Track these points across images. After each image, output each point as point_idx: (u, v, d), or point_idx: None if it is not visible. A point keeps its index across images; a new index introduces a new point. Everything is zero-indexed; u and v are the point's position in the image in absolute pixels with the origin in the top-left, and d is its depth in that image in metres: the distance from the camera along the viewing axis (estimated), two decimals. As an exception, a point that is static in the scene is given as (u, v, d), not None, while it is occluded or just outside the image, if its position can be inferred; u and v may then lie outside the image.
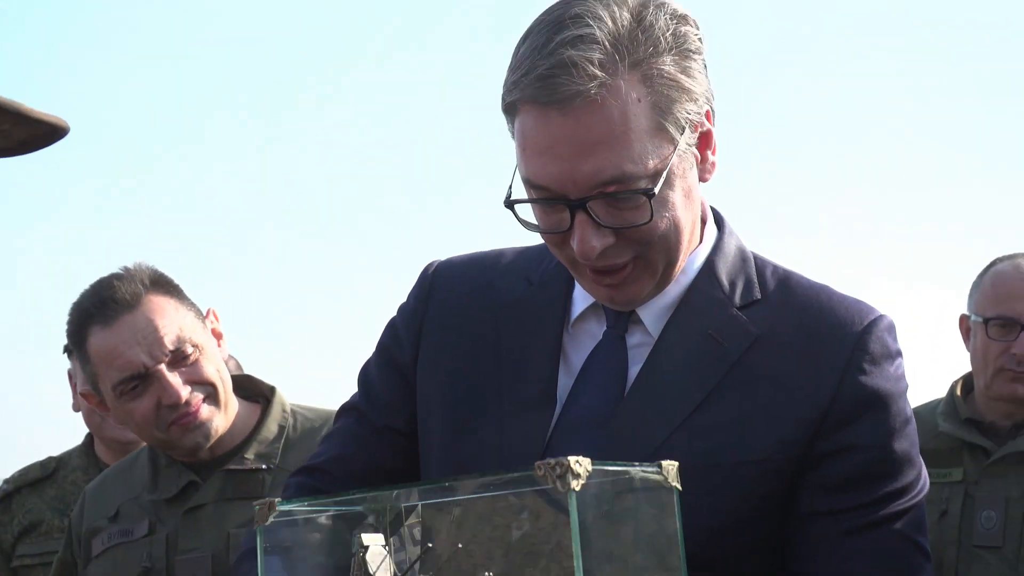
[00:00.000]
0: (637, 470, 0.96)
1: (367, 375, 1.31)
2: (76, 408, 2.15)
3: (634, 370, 1.19)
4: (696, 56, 1.11)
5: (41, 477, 2.10)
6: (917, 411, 2.30)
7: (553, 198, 1.08)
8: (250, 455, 1.68)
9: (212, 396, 1.64)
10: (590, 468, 0.86)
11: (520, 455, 1.13)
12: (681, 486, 1.00)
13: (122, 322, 1.59)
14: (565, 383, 1.20)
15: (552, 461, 0.86)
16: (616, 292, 1.14)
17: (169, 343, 1.60)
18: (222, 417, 1.66)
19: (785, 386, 1.15)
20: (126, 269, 1.66)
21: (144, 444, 1.85)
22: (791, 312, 1.19)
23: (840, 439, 1.14)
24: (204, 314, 1.72)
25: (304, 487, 1.27)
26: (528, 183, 1.09)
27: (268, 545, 0.99)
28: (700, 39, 1.11)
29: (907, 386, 1.21)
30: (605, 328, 1.20)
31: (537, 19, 1.09)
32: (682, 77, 1.08)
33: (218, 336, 1.73)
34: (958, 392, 2.26)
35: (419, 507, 1.00)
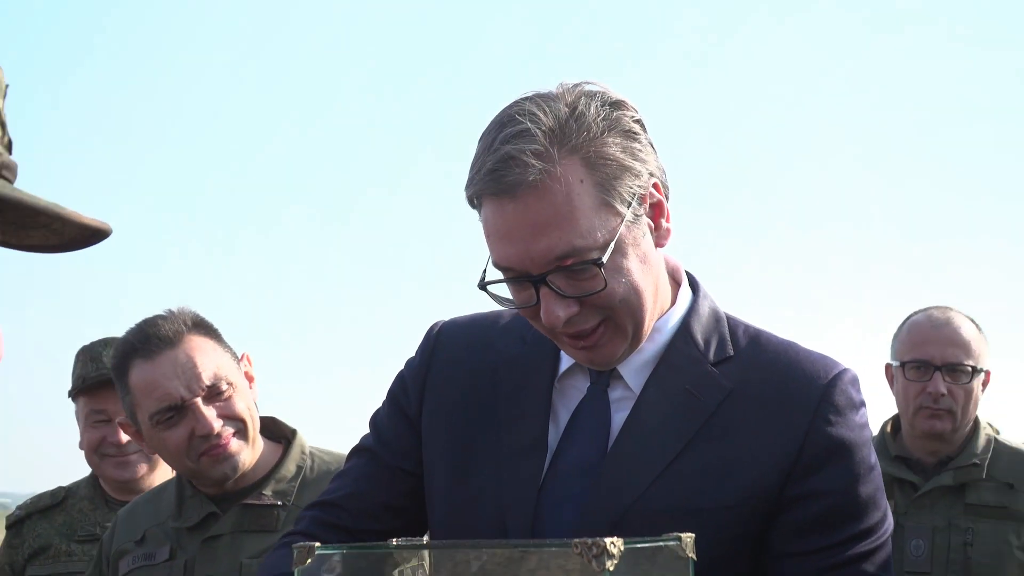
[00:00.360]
0: (660, 544, 1.00)
1: (378, 421, 1.35)
2: (81, 446, 2.22)
3: (617, 420, 1.22)
4: (637, 136, 1.15)
5: (51, 505, 2.18)
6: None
7: (518, 277, 1.13)
8: (268, 491, 1.74)
9: (242, 431, 1.69)
10: (622, 548, 0.90)
11: (515, 499, 1.21)
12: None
13: (163, 357, 1.65)
14: (555, 433, 1.24)
15: (589, 541, 0.89)
16: (592, 354, 1.18)
17: (206, 379, 1.65)
18: (249, 452, 1.70)
19: (757, 436, 1.19)
20: (170, 311, 1.73)
21: (170, 476, 1.91)
22: (761, 367, 1.22)
23: (808, 485, 1.17)
24: (239, 357, 1.78)
25: (317, 521, 1.32)
26: (496, 266, 1.15)
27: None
28: (637, 121, 1.16)
29: (871, 434, 1.24)
30: (589, 383, 1.24)
31: (488, 124, 1.15)
32: (623, 156, 1.13)
33: (250, 379, 1.78)
34: (888, 431, 2.37)
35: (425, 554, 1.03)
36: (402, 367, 1.36)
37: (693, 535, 0.99)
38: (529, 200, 1.09)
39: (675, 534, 0.99)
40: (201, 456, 1.67)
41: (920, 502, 2.28)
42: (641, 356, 1.22)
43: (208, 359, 1.69)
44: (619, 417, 1.22)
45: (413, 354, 1.36)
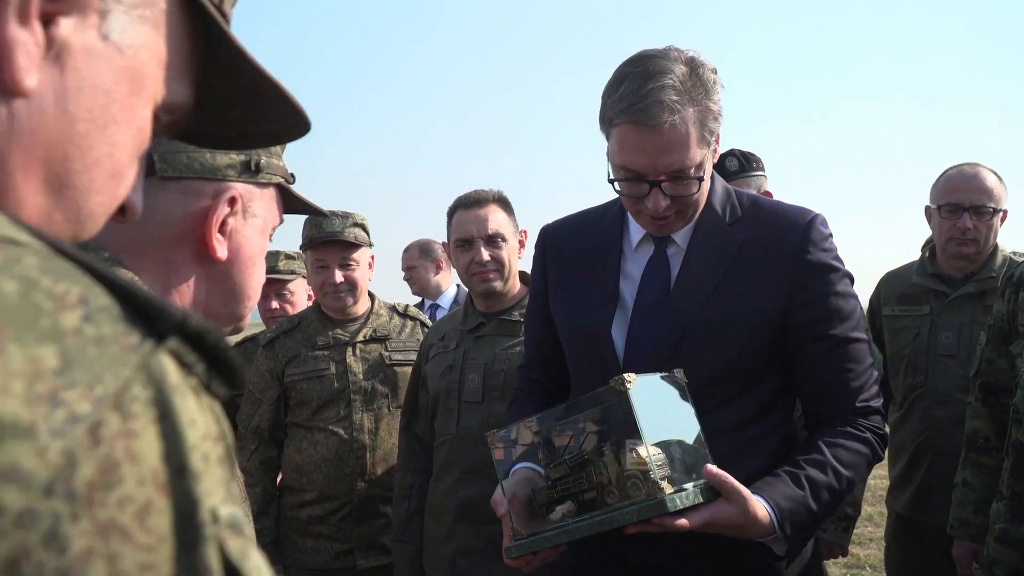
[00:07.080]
0: (667, 375, 1.43)
1: (534, 282, 1.83)
2: (311, 283, 2.81)
3: (674, 269, 1.60)
4: (718, 93, 1.50)
5: (290, 328, 2.76)
6: (899, 270, 2.98)
7: (639, 178, 1.50)
8: (516, 313, 2.41)
9: (500, 271, 2.38)
10: (634, 378, 1.33)
11: (601, 331, 1.62)
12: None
13: (472, 211, 2.38)
14: (627, 286, 1.63)
15: (617, 377, 1.34)
16: (663, 228, 1.58)
17: (489, 230, 2.36)
18: (502, 284, 2.40)
19: (763, 268, 1.55)
20: (490, 189, 2.43)
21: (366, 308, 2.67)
22: (761, 221, 1.58)
23: (804, 295, 1.55)
24: (520, 231, 2.47)
25: (523, 385, 1.89)
26: (623, 168, 1.50)
27: (500, 446, 1.60)
28: (721, 84, 1.51)
29: (837, 251, 1.59)
30: (654, 247, 1.64)
31: (627, 69, 1.47)
32: (713, 108, 1.48)
33: (522, 244, 2.47)
34: (926, 254, 2.88)
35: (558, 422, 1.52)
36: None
37: (682, 369, 1.44)
38: (665, 132, 1.44)
39: (676, 368, 1.44)
40: (472, 276, 2.39)
41: (950, 305, 2.78)
42: (686, 226, 1.61)
43: (495, 219, 2.39)
44: (674, 268, 1.61)
45: (535, 252, 1.83)
